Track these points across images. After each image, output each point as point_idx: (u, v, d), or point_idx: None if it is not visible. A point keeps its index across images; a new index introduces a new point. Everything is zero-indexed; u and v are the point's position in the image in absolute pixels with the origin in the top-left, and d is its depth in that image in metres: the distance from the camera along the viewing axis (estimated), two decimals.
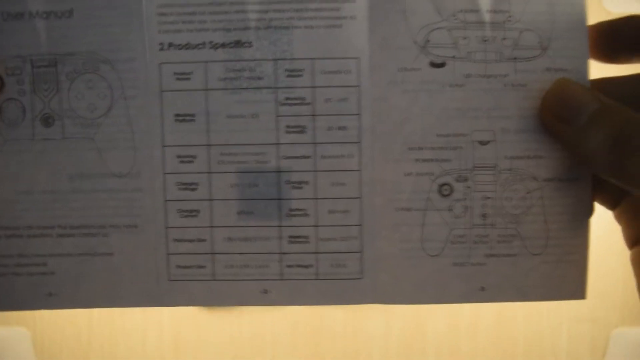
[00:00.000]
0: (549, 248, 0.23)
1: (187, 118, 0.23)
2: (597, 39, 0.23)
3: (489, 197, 0.23)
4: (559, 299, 0.24)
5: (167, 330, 0.39)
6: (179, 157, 0.23)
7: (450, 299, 0.24)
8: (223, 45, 0.23)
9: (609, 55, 0.23)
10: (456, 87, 0.23)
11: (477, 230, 0.23)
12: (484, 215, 0.23)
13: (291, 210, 0.23)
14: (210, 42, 0.23)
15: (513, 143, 0.23)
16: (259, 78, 0.23)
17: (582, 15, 0.23)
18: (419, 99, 0.23)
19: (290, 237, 0.23)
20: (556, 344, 0.44)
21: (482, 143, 0.23)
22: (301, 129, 0.23)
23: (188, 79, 0.23)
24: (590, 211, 0.23)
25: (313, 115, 0.23)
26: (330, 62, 0.23)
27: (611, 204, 0.25)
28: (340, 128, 0.23)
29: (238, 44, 0.23)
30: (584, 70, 0.23)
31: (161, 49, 0.23)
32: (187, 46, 0.23)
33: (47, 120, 0.23)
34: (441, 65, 0.23)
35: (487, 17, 0.23)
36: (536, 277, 0.23)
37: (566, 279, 0.23)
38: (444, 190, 0.23)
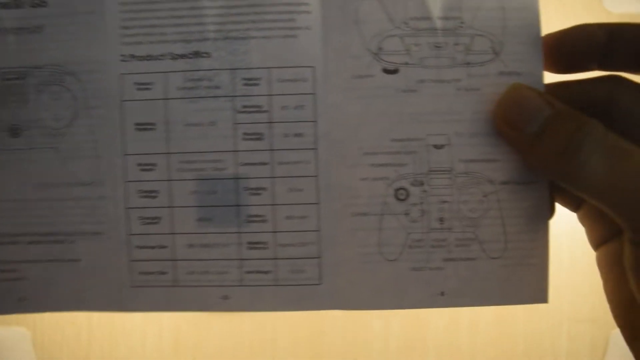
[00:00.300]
0: (508, 252, 0.23)
1: (148, 127, 0.24)
2: (547, 51, 0.23)
3: (445, 201, 0.23)
4: (520, 303, 0.23)
5: (167, 330, 0.39)
6: (139, 165, 0.24)
7: (410, 304, 0.23)
8: (182, 56, 0.24)
9: (561, 66, 0.23)
10: (410, 93, 0.23)
11: (434, 235, 0.23)
12: (441, 219, 0.23)
13: (249, 216, 0.24)
14: (170, 53, 0.24)
15: (468, 147, 0.23)
16: (217, 87, 0.24)
17: (535, 18, 0.23)
18: (373, 104, 0.23)
19: (249, 243, 0.24)
20: (556, 344, 0.44)
21: (437, 147, 0.23)
22: (258, 136, 0.24)
23: (148, 89, 0.24)
24: (548, 214, 0.23)
25: (270, 122, 0.24)
26: (286, 71, 0.24)
27: (573, 206, 0.24)
28: (296, 135, 0.24)
29: (197, 54, 0.24)
30: (538, 73, 0.23)
31: (123, 61, 0.24)
32: (147, 57, 0.24)
33: (15, 131, 0.24)
34: (394, 71, 0.23)
35: (438, 23, 0.23)
36: (496, 281, 0.23)
37: (526, 283, 0.23)
38: (400, 195, 0.23)
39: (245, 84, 0.24)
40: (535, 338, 0.44)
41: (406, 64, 0.23)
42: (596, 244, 0.24)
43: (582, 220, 0.24)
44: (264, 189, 0.24)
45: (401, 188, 0.23)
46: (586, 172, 0.20)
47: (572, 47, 0.23)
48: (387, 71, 0.23)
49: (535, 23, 0.23)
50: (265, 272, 0.24)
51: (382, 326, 0.40)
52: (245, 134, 0.24)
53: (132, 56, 0.24)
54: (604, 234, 0.24)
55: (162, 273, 0.24)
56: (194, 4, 0.24)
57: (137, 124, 0.24)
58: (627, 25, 0.23)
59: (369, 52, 0.23)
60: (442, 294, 0.23)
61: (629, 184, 0.19)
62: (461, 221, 0.23)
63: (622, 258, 0.21)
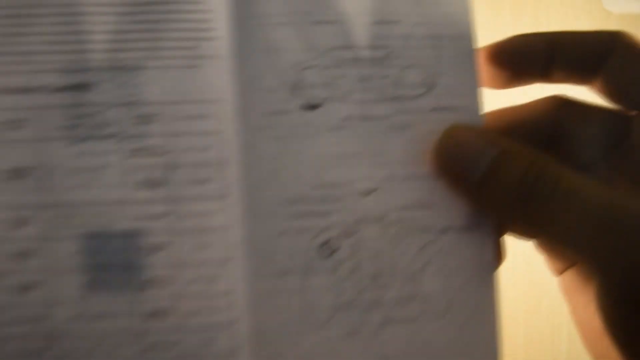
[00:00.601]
0: (453, 309, 0.20)
1: (19, 174, 0.19)
2: (486, 63, 0.21)
3: (378, 255, 0.20)
4: None
5: None
6: (7, 221, 0.19)
7: None
8: (62, 89, 0.20)
9: (500, 80, 0.22)
10: (333, 131, 0.20)
11: (368, 294, 0.20)
12: (374, 276, 0.20)
13: (146, 280, 0.20)
14: (47, 85, 0.20)
15: (400, 192, 0.20)
16: (104, 126, 0.20)
17: (470, 47, 0.21)
18: (291, 145, 0.20)
19: (148, 312, 0.20)
20: (556, 344, 0.43)
21: (365, 193, 0.20)
22: (156, 184, 0.20)
23: (19, 128, 0.19)
24: (496, 262, 0.21)
25: (169, 167, 0.20)
26: (187, 107, 0.20)
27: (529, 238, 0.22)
28: (202, 181, 0.20)
29: (79, 87, 0.20)
30: (476, 107, 0.21)
31: None
32: (17, 90, 0.20)
33: None
34: (315, 107, 0.20)
35: (364, 53, 0.21)
36: (442, 342, 0.20)
37: (475, 342, 0.20)
38: (326, 250, 0.20)
39: (139, 123, 0.20)
40: (535, 338, 0.43)
41: (328, 98, 0.20)
42: (559, 271, 0.22)
43: (540, 249, 0.22)
44: (163, 246, 0.20)
45: (326, 242, 0.20)
46: (544, 216, 0.18)
47: (511, 58, 0.21)
48: (306, 107, 0.20)
49: (471, 52, 0.21)
50: (169, 346, 0.20)
51: None
52: (139, 181, 0.20)
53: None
54: (568, 261, 0.22)
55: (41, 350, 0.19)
56: (76, 27, 0.20)
57: (6, 171, 0.19)
58: (566, 35, 0.21)
59: (285, 85, 0.20)
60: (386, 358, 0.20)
61: (595, 230, 0.18)
62: (398, 277, 0.20)
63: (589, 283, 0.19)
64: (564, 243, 0.19)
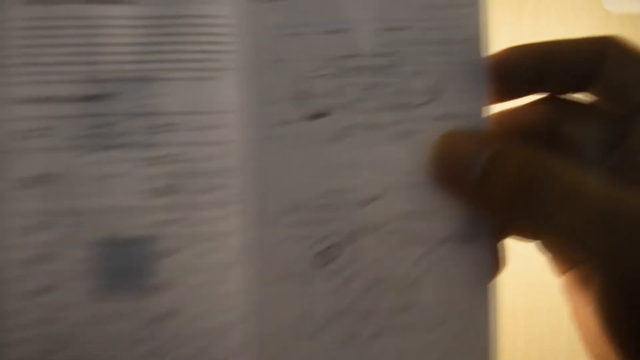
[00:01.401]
0: (450, 319, 0.21)
1: (41, 181, 0.20)
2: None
3: (375, 264, 0.21)
4: None
5: None
6: (26, 227, 0.20)
7: None
8: (82, 99, 0.20)
9: (496, 94, 0.21)
10: (336, 141, 0.20)
11: (363, 304, 0.21)
12: (370, 285, 0.21)
13: (155, 284, 0.20)
14: (69, 95, 0.20)
15: (400, 201, 0.21)
16: (122, 135, 0.20)
17: (478, 52, 0.21)
18: (296, 155, 0.20)
19: (156, 315, 0.20)
20: (556, 344, 0.43)
21: (365, 202, 0.20)
22: (168, 192, 0.20)
23: (40, 136, 0.20)
24: (493, 273, 0.21)
25: (181, 176, 0.20)
26: (201, 117, 0.20)
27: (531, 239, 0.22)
28: (211, 189, 0.20)
29: (99, 97, 0.20)
30: (480, 113, 0.21)
31: (6, 104, 0.20)
32: (38, 100, 0.20)
33: None
34: (319, 116, 0.20)
35: (370, 62, 0.21)
36: (436, 353, 0.21)
37: (470, 353, 0.21)
38: (322, 258, 0.20)
39: (154, 132, 0.20)
40: (535, 338, 0.43)
41: (333, 107, 0.20)
42: (561, 271, 0.22)
43: (542, 249, 0.22)
44: (172, 251, 0.20)
45: (324, 250, 0.20)
46: (543, 212, 0.18)
47: (503, 74, 0.21)
48: (311, 116, 0.20)
49: (479, 58, 0.21)
50: (176, 348, 0.21)
51: None
52: (154, 189, 0.20)
53: (19, 99, 0.20)
54: (570, 260, 0.21)
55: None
56: (97, 40, 0.20)
57: (24, 179, 0.20)
58: (557, 44, 0.21)
59: (291, 95, 0.20)
60: None
61: (595, 224, 0.18)
62: (394, 287, 0.21)
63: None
64: (564, 239, 0.19)
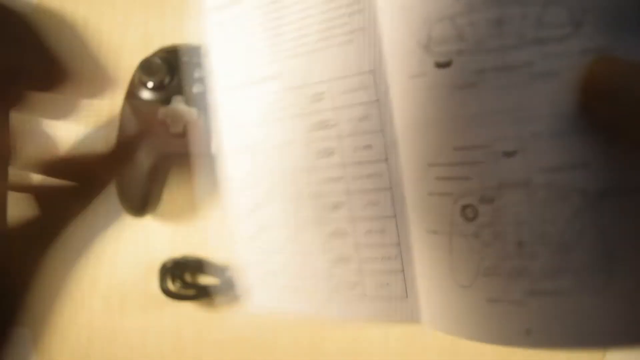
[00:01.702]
0: (614, 283, 0.17)
1: None
2: None
3: (524, 222, 0.18)
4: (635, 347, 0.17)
5: (167, 330, 0.37)
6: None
7: (490, 339, 0.20)
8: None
9: None
10: (467, 89, 0.19)
11: (512, 262, 0.19)
12: (520, 244, 0.19)
13: (331, 232, 0.23)
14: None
15: (548, 151, 0.17)
16: (289, 107, 0.23)
17: None
18: (429, 108, 0.20)
19: (334, 258, 0.24)
20: None
21: (508, 154, 0.18)
22: (330, 153, 0.23)
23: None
24: None
25: (338, 137, 0.22)
26: (349, 81, 0.22)
27: None
28: (365, 147, 0.22)
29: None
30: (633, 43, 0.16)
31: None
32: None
33: None
34: (447, 64, 0.19)
35: None
36: (598, 319, 0.17)
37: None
38: (468, 213, 0.19)
39: (312, 101, 0.23)
40: None
41: (460, 51, 0.19)
42: None
43: None
44: (340, 205, 0.23)
45: (468, 205, 0.19)
46: None
47: None
48: (439, 65, 0.19)
49: None
50: (352, 286, 0.23)
51: (382, 325, 0.35)
52: (318, 151, 0.23)
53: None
54: None
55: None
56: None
57: None
58: None
59: (419, 44, 0.19)
60: (528, 332, 0.19)
61: None
62: (547, 246, 0.18)
63: None
64: None
